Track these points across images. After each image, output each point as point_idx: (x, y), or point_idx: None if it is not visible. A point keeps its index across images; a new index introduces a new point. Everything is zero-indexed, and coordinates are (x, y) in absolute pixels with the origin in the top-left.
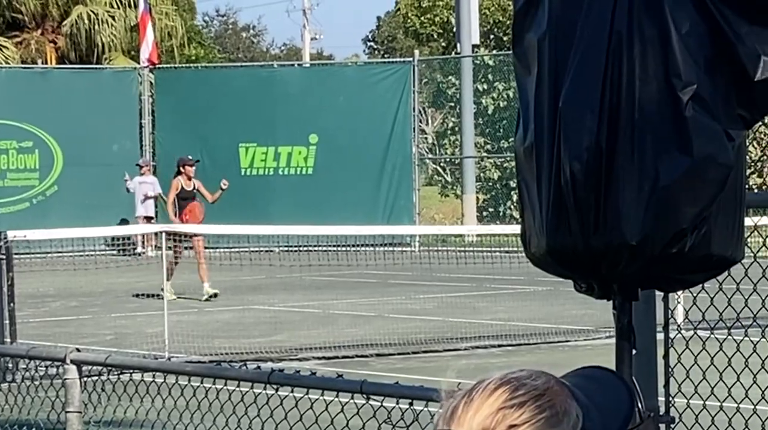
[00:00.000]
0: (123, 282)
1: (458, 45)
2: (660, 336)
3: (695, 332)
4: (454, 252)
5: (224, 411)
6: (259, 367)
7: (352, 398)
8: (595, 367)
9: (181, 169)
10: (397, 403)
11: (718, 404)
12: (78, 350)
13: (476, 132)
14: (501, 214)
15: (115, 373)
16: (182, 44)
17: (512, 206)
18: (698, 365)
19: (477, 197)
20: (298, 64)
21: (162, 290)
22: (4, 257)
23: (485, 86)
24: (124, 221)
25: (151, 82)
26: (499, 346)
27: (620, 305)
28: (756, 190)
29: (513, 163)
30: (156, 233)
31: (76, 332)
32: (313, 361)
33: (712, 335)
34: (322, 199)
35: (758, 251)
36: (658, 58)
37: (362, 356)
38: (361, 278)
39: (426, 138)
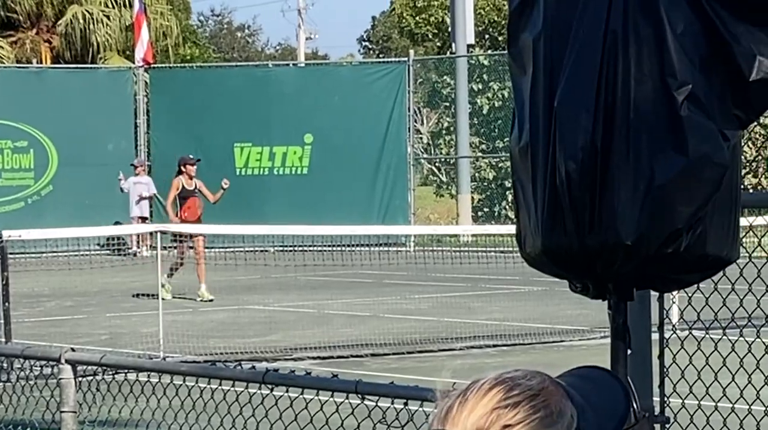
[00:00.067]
0: (118, 282)
1: (453, 45)
2: (655, 336)
3: (690, 332)
4: (449, 252)
5: (219, 411)
6: (254, 367)
7: (347, 398)
8: (591, 367)
9: (182, 168)
10: (392, 403)
11: (713, 404)
12: (73, 349)
13: (471, 132)
14: (496, 214)
15: (110, 373)
16: (177, 44)
17: (507, 206)
18: (693, 365)
19: (472, 197)
20: (293, 64)
21: (162, 286)
22: None
23: (480, 86)
24: (117, 224)
25: (146, 82)
26: (494, 346)
27: (615, 304)
28: (751, 191)
29: (508, 163)
30: (151, 233)
31: (71, 332)
32: (308, 361)
33: (707, 335)
34: (317, 199)
35: (753, 251)
36: (654, 58)
37: (357, 356)
38: (356, 277)
39: (421, 138)
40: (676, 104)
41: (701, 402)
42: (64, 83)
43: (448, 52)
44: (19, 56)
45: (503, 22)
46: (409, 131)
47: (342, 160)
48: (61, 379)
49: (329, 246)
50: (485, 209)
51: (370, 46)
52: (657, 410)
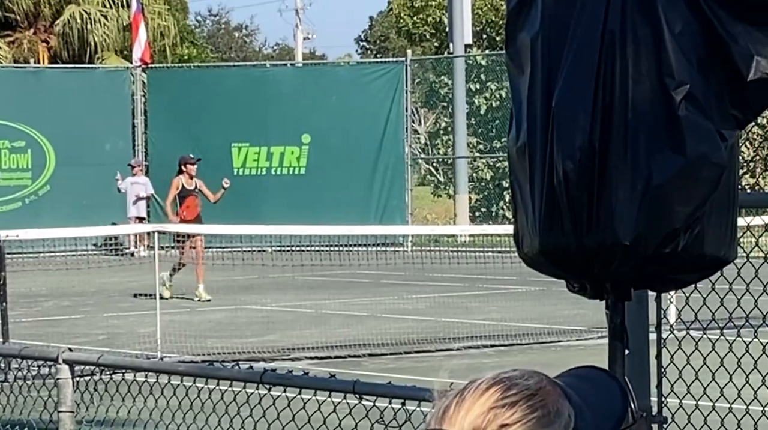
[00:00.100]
0: (115, 282)
1: (451, 45)
2: (652, 336)
3: (688, 332)
4: (446, 252)
5: (216, 411)
6: (251, 367)
7: (345, 398)
8: (589, 367)
9: (183, 167)
10: (390, 403)
11: (711, 404)
12: (70, 349)
13: (469, 132)
14: (493, 214)
15: (108, 373)
16: (175, 44)
17: (505, 206)
18: (691, 365)
19: (469, 197)
20: (291, 64)
21: (163, 284)
22: None
23: (478, 86)
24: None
25: (143, 82)
26: (492, 346)
27: (613, 304)
28: (749, 191)
29: (506, 163)
30: (148, 233)
31: (68, 332)
32: (305, 361)
33: (704, 335)
34: (314, 199)
35: (751, 251)
36: (651, 58)
37: (355, 356)
38: (354, 278)
39: (418, 138)
40: (674, 104)
41: (699, 402)
42: (61, 83)
43: (446, 52)
44: (16, 56)
45: (501, 22)
46: (406, 131)
47: (339, 160)
48: (58, 379)
49: (327, 246)
50: (483, 209)
51: (367, 46)
52: (654, 410)
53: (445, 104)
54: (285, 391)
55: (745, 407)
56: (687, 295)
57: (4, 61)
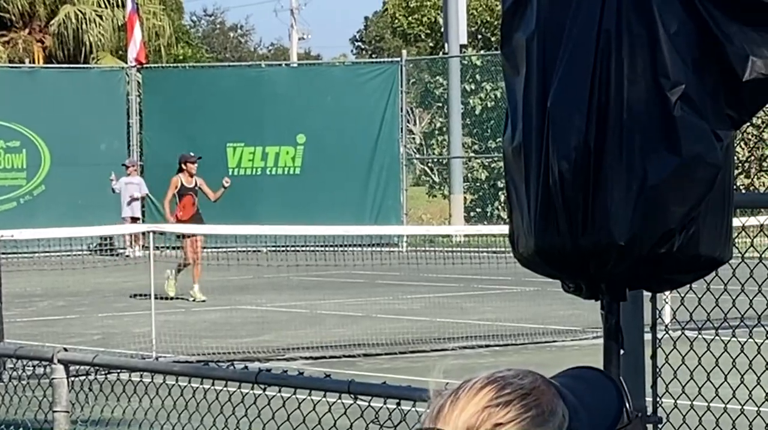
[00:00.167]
0: (110, 282)
1: (446, 45)
2: (648, 336)
3: (683, 333)
4: (441, 252)
5: (212, 411)
6: (246, 367)
7: (340, 398)
8: (585, 367)
9: (183, 166)
10: (385, 403)
11: (706, 404)
12: (65, 349)
13: (464, 132)
14: (488, 214)
15: (103, 372)
16: (170, 44)
17: (500, 207)
18: (686, 365)
19: (464, 198)
20: (286, 64)
21: (167, 278)
22: None
23: (473, 86)
24: None
25: (138, 82)
26: (487, 346)
27: (608, 305)
28: (744, 191)
29: (501, 164)
30: (143, 233)
31: (63, 332)
32: (300, 361)
33: (699, 336)
34: (309, 200)
35: (746, 252)
36: (647, 58)
37: (349, 356)
38: (349, 278)
39: (414, 138)
40: (669, 104)
41: (693, 402)
42: (56, 83)
43: (441, 53)
44: (11, 56)
45: (496, 23)
46: (401, 131)
47: (334, 160)
48: (53, 379)
49: (322, 246)
50: (477, 210)
51: (362, 47)
52: (650, 410)
53: (440, 104)
54: (280, 391)
55: (740, 407)
56: (682, 295)
57: None
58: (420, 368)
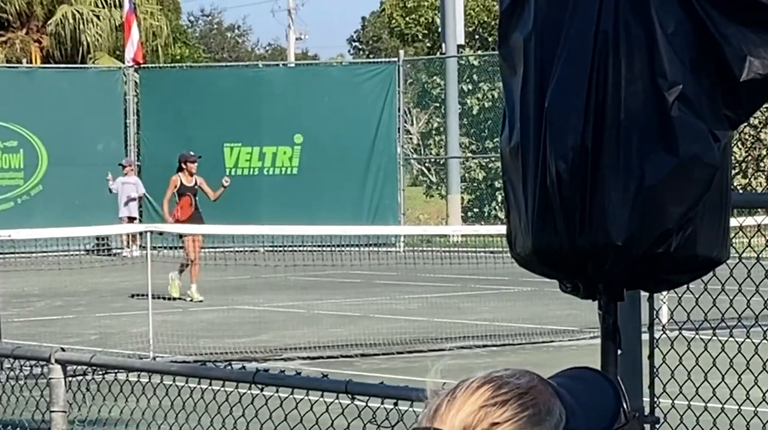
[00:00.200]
0: (107, 282)
1: (443, 45)
2: (645, 336)
3: (680, 333)
4: (438, 252)
5: (209, 411)
6: (243, 367)
7: (337, 398)
8: (583, 368)
9: (183, 165)
10: (382, 403)
11: (703, 404)
12: (63, 349)
13: (461, 132)
14: (486, 214)
15: (100, 372)
16: (167, 44)
17: (497, 207)
18: (683, 365)
19: (462, 198)
20: (283, 64)
21: (172, 280)
22: None
23: (470, 87)
24: None
25: (136, 82)
26: (484, 346)
27: (605, 305)
28: (741, 191)
29: (498, 164)
30: (141, 233)
31: (60, 332)
32: (297, 361)
33: (696, 336)
34: (307, 200)
35: (743, 252)
36: (644, 58)
37: (347, 356)
38: (346, 278)
39: (411, 138)
40: (667, 104)
41: (691, 402)
42: (54, 83)
43: (438, 53)
44: (9, 56)
45: (493, 23)
46: (399, 132)
47: (332, 160)
48: (50, 379)
49: (319, 246)
50: (475, 210)
51: (360, 47)
52: (647, 410)
53: (438, 105)
54: (277, 391)
55: (737, 407)
56: (679, 295)
57: None
58: (417, 368)
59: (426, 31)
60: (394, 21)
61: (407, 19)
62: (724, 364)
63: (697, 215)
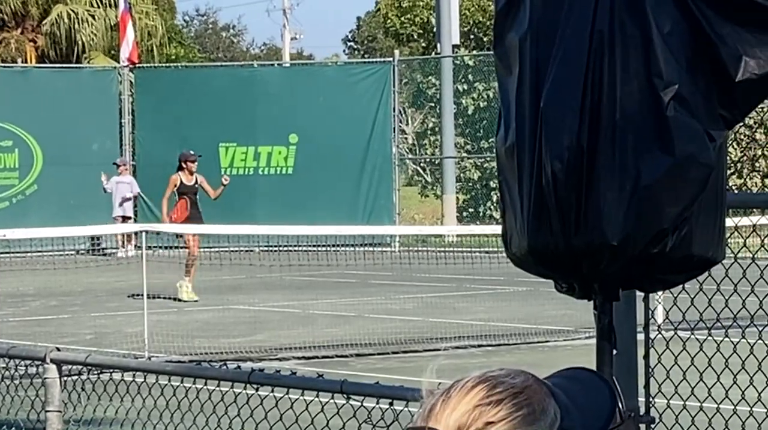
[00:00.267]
0: (103, 282)
1: (438, 45)
2: (640, 336)
3: (675, 333)
4: (434, 252)
5: (204, 411)
6: (239, 367)
7: (332, 397)
8: (579, 368)
9: (183, 164)
10: (377, 403)
11: (698, 404)
12: (58, 349)
13: (456, 132)
14: (481, 214)
15: (95, 372)
16: (162, 44)
17: (492, 207)
18: (678, 365)
19: (457, 198)
20: (278, 64)
21: (180, 286)
22: None
23: (465, 86)
24: None
25: (131, 82)
26: (479, 346)
27: (601, 305)
28: (736, 191)
29: (493, 164)
30: (136, 233)
31: (55, 332)
32: (293, 361)
33: (692, 336)
34: (302, 199)
35: (738, 252)
36: (640, 58)
37: (342, 356)
38: (341, 278)
39: (406, 138)
40: (663, 104)
41: (686, 402)
42: (49, 83)
43: (433, 53)
44: (3, 56)
45: (488, 23)
46: (394, 132)
47: (327, 160)
48: (46, 378)
49: (314, 246)
50: (470, 210)
51: (355, 47)
52: (642, 410)
53: (433, 104)
54: (272, 391)
55: (732, 407)
56: (675, 295)
57: None
58: (412, 367)
59: (421, 31)
60: (389, 21)
61: (402, 19)
62: (720, 364)
63: (693, 215)
